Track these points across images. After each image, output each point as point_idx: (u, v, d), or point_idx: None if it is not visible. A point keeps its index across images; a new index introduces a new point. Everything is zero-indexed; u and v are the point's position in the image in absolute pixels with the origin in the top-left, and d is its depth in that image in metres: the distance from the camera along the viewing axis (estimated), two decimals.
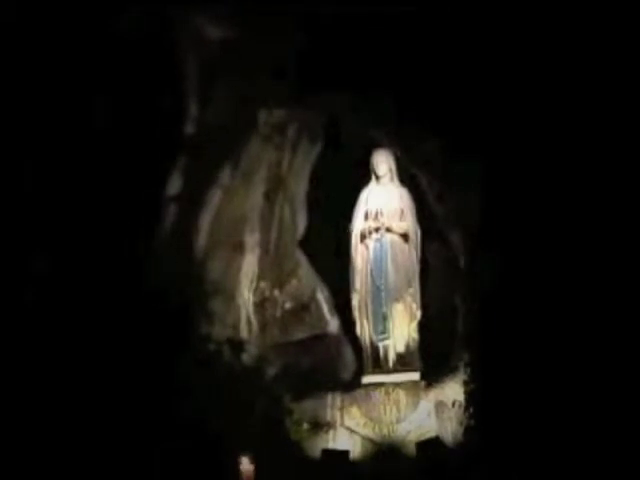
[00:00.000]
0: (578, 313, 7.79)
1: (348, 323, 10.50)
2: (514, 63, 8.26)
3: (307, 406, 9.91)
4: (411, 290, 10.19)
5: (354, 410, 9.91)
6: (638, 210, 7.75)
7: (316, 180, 10.73)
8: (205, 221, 9.88)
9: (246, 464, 7.41)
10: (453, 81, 8.52)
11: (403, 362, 10.10)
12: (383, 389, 9.90)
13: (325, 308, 10.71)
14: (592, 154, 7.91)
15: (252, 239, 10.38)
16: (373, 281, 10.26)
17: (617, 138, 7.88)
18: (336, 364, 10.61)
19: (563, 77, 8.08)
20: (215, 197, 9.92)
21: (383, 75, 8.83)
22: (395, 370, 10.07)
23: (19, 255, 8.83)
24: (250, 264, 10.40)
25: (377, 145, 10.34)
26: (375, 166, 10.45)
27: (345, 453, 9.38)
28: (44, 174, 9.03)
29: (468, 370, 8.77)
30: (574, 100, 8.02)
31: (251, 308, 10.43)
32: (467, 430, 8.71)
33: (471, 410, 8.61)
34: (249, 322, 10.36)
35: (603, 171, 7.87)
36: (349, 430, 9.86)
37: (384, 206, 10.34)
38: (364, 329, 10.27)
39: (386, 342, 10.13)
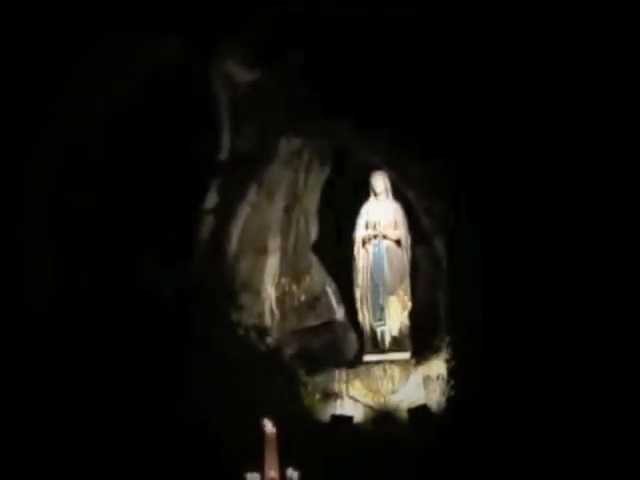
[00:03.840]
0: (541, 305, 7.87)
1: (352, 312, 10.58)
2: (492, 95, 8.19)
3: (318, 380, 9.95)
4: (403, 286, 10.28)
5: (357, 383, 9.95)
6: (612, 211, 7.66)
7: (326, 196, 10.81)
8: (235, 230, 9.96)
9: (269, 427, 7.16)
10: (437, 115, 8.49)
11: (397, 344, 10.16)
12: (381, 366, 9.97)
13: (333, 300, 10.73)
14: (565, 169, 7.86)
15: (274, 244, 10.42)
16: (372, 278, 10.30)
17: (601, 142, 7.77)
18: (342, 345, 10.63)
19: (542, 104, 7.98)
20: (244, 211, 10.00)
21: (379, 109, 8.79)
22: (390, 350, 10.12)
23: (65, 257, 8.76)
24: (272, 265, 10.44)
25: (375, 168, 10.36)
26: (374, 185, 10.50)
27: (350, 418, 9.53)
28: (109, 191, 9.03)
29: (449, 350, 8.95)
30: (553, 122, 7.94)
31: (273, 300, 10.46)
32: (449, 399, 8.87)
33: (452, 383, 8.79)
34: (272, 312, 10.42)
35: (577, 183, 7.78)
36: (353, 399, 9.89)
37: (381, 218, 10.42)
38: (365, 317, 10.34)
39: (383, 327, 10.21)
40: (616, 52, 7.73)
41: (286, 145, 10.10)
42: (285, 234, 10.57)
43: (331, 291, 10.75)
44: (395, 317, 10.20)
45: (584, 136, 7.80)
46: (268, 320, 10.29)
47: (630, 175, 7.65)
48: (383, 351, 10.14)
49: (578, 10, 7.79)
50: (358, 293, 10.41)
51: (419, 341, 10.16)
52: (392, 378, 9.89)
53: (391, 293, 10.23)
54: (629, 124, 7.69)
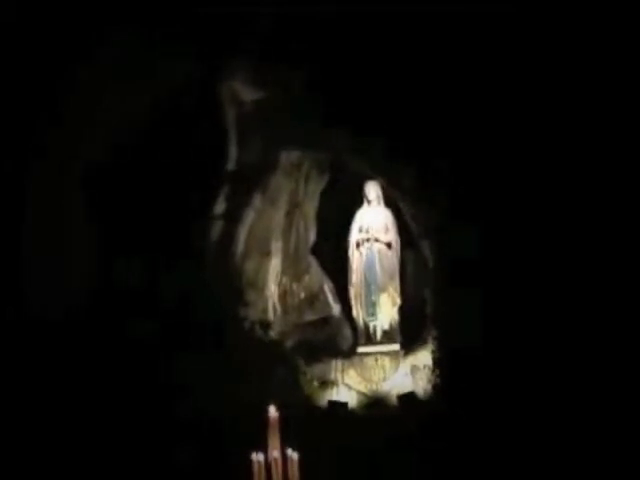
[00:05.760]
0: (518, 301, 8.09)
1: (347, 308, 10.61)
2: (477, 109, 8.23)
3: (317, 369, 10.03)
4: (393, 284, 10.34)
5: (351, 372, 10.03)
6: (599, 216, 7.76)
7: (324, 203, 10.81)
8: (242, 234, 10.04)
9: (272, 411, 6.89)
10: (426, 127, 8.56)
11: (387, 336, 10.21)
12: (373, 356, 10.04)
13: (330, 297, 10.73)
14: (552, 178, 7.90)
15: (276, 247, 10.48)
16: (365, 277, 10.36)
17: (587, 149, 7.77)
18: (338, 338, 10.66)
19: (530, 117, 7.99)
20: (249, 216, 10.08)
21: (373, 124, 8.82)
22: (381, 342, 10.19)
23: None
24: (275, 265, 10.50)
25: (368, 178, 10.35)
26: (366, 193, 10.52)
27: (345, 404, 9.65)
28: (127, 200, 9.12)
29: (435, 342, 9.21)
30: (542, 130, 7.95)
31: (276, 297, 10.50)
32: (434, 387, 9.12)
33: (437, 372, 9.04)
34: (274, 308, 10.47)
35: (565, 193, 7.84)
36: (348, 387, 9.95)
37: (373, 223, 10.47)
38: (358, 312, 10.42)
39: (375, 322, 10.28)
40: (599, 54, 7.76)
41: (287, 157, 10.18)
42: (286, 237, 10.60)
43: (328, 289, 10.77)
44: (386, 312, 10.29)
45: (567, 149, 7.87)
46: (271, 315, 10.38)
47: (621, 179, 7.72)
48: (375, 343, 10.21)
49: (566, 14, 7.83)
50: (352, 291, 10.47)
51: (407, 334, 10.24)
52: (383, 367, 9.99)
53: (382, 291, 10.29)
54: (620, 128, 7.73)
